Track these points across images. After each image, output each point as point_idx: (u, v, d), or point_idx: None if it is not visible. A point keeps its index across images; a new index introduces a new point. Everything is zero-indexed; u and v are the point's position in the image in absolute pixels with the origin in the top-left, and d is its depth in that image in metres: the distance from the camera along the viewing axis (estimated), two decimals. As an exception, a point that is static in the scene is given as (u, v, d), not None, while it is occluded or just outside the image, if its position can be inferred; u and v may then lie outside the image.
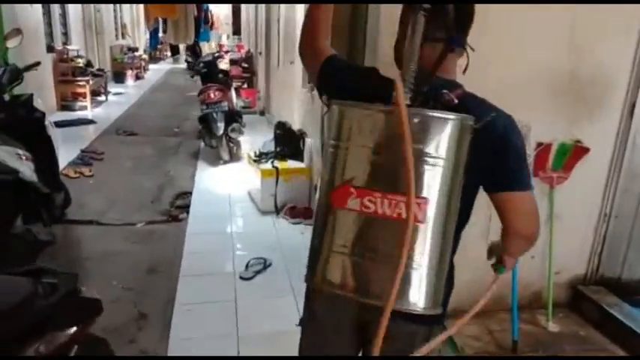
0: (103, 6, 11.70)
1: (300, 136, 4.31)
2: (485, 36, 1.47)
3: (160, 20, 12.81)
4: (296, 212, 3.94)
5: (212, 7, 17.33)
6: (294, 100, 5.04)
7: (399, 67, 1.18)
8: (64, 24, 8.99)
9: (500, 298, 2.95)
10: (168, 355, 2.39)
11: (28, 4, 7.00)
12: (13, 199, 2.65)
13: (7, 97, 3.23)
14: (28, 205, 2.83)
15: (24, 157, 2.90)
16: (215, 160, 5.67)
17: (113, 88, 10.83)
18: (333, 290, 1.03)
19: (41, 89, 7.63)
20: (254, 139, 6.14)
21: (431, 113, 0.98)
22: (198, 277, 3.12)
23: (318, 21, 1.34)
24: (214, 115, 5.44)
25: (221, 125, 5.41)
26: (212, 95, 5.45)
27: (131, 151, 6.18)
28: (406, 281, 0.98)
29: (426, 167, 0.96)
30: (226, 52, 12.17)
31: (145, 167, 5.54)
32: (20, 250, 2.41)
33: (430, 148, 0.96)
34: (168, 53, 19.73)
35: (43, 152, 3.50)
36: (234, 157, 5.77)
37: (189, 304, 2.80)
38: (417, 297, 1.00)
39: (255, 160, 4.27)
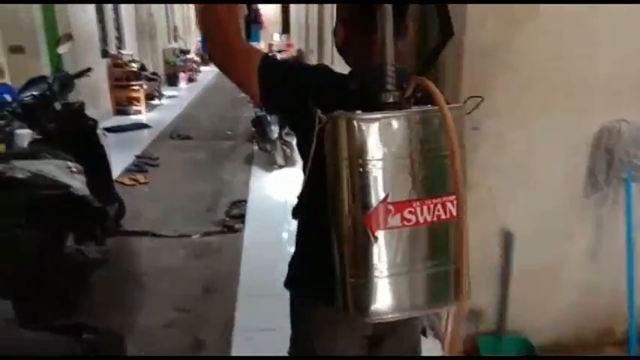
0: (155, 9, 11.80)
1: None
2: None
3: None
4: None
5: (260, 5, 17.30)
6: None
7: (346, 60, 1.15)
8: (118, 28, 9.07)
9: (609, 328, 2.52)
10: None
11: (81, 9, 7.03)
12: (63, 217, 2.47)
13: (58, 105, 3.08)
14: (79, 223, 2.65)
15: (75, 170, 2.73)
16: (269, 165, 5.43)
17: (167, 91, 10.89)
18: (384, 317, 0.93)
19: (96, 95, 7.70)
20: None
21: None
22: (258, 297, 2.86)
23: (230, 9, 1.05)
24: (268, 117, 5.19)
25: (275, 129, 5.16)
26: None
27: (185, 156, 6.06)
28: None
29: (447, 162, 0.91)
30: (278, 52, 11.98)
31: (199, 173, 5.38)
32: (70, 273, 2.22)
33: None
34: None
35: (95, 162, 3.35)
36: (288, 161, 5.51)
37: (250, 330, 2.54)
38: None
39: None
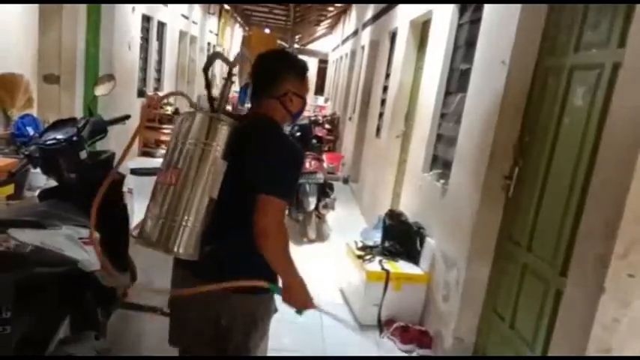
0: (197, 56, 11.81)
1: (418, 232, 3.45)
2: None
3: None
4: (409, 336, 3.03)
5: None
6: (409, 183, 4.23)
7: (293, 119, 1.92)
8: (159, 70, 8.93)
9: None
10: None
11: (126, 47, 6.86)
12: (62, 299, 1.97)
13: (83, 154, 2.65)
14: (81, 305, 2.13)
15: (88, 241, 2.26)
16: (299, 237, 4.92)
17: (195, 136, 10.64)
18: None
19: (125, 133, 7.39)
20: (336, 212, 5.40)
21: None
22: None
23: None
24: (307, 187, 4.75)
25: (312, 200, 4.70)
26: (308, 165, 4.77)
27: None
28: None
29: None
30: (321, 113, 11.76)
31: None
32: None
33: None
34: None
35: (114, 223, 2.89)
36: (320, 234, 5.01)
37: None
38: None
39: (359, 256, 3.43)
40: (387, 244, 3.55)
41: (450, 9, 3.65)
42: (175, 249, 1.59)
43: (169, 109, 8.27)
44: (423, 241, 3.40)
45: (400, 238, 3.51)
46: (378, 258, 3.40)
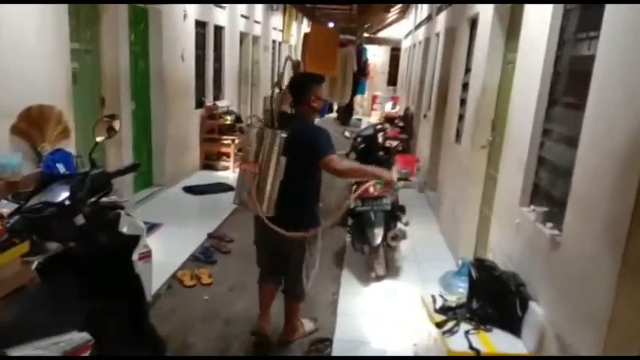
0: (261, 56, 11.35)
1: (518, 291, 2.59)
2: None
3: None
4: None
5: (370, 55, 16.52)
6: (502, 216, 3.35)
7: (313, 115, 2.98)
8: (219, 77, 8.51)
9: None
10: None
11: (179, 58, 6.45)
12: None
13: (80, 219, 2.11)
14: None
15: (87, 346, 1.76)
16: (365, 272, 4.20)
17: (261, 141, 10.19)
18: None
19: (185, 147, 7.04)
20: (410, 228, 4.59)
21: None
22: None
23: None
24: (372, 215, 4.00)
25: (379, 231, 3.94)
26: (371, 189, 4.02)
27: (264, 240, 4.99)
28: None
29: None
30: (391, 120, 10.88)
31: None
32: None
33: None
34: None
35: (126, 295, 2.36)
36: (390, 268, 4.25)
37: None
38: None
39: (438, 324, 2.64)
40: (474, 304, 2.72)
41: (553, -11, 2.72)
42: (264, 209, 2.68)
43: (229, 119, 7.82)
44: (524, 305, 2.54)
45: (492, 297, 2.67)
46: (463, 327, 2.60)
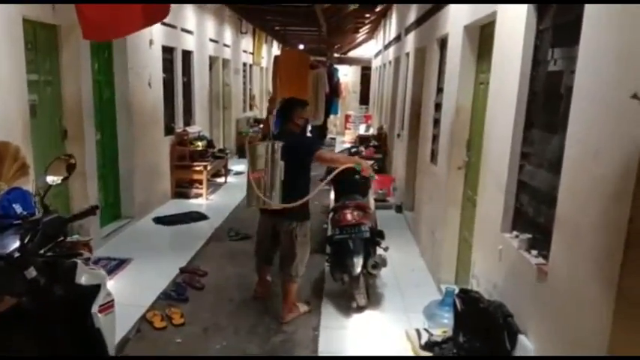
0: (232, 79, 11.22)
1: (505, 323, 2.47)
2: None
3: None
4: None
5: (341, 75, 16.59)
6: (484, 241, 3.26)
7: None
8: (189, 102, 8.33)
9: None
10: None
11: (145, 85, 6.27)
12: None
13: (32, 272, 1.91)
14: None
15: None
16: (345, 302, 4.04)
17: (235, 165, 9.95)
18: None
19: (155, 177, 6.81)
20: (390, 253, 4.39)
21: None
22: None
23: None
24: (350, 244, 3.86)
25: (358, 261, 3.80)
26: (349, 217, 3.90)
27: (238, 271, 4.76)
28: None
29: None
30: (365, 139, 10.81)
31: (251, 310, 4.02)
32: None
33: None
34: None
35: (87, 351, 2.15)
36: (371, 297, 4.10)
37: None
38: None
39: (424, 363, 2.51)
40: (461, 338, 2.60)
41: (524, 10, 2.68)
42: (275, 200, 3.54)
43: (200, 144, 7.63)
44: (513, 339, 2.42)
45: (479, 331, 2.56)
46: (451, 364, 2.47)
